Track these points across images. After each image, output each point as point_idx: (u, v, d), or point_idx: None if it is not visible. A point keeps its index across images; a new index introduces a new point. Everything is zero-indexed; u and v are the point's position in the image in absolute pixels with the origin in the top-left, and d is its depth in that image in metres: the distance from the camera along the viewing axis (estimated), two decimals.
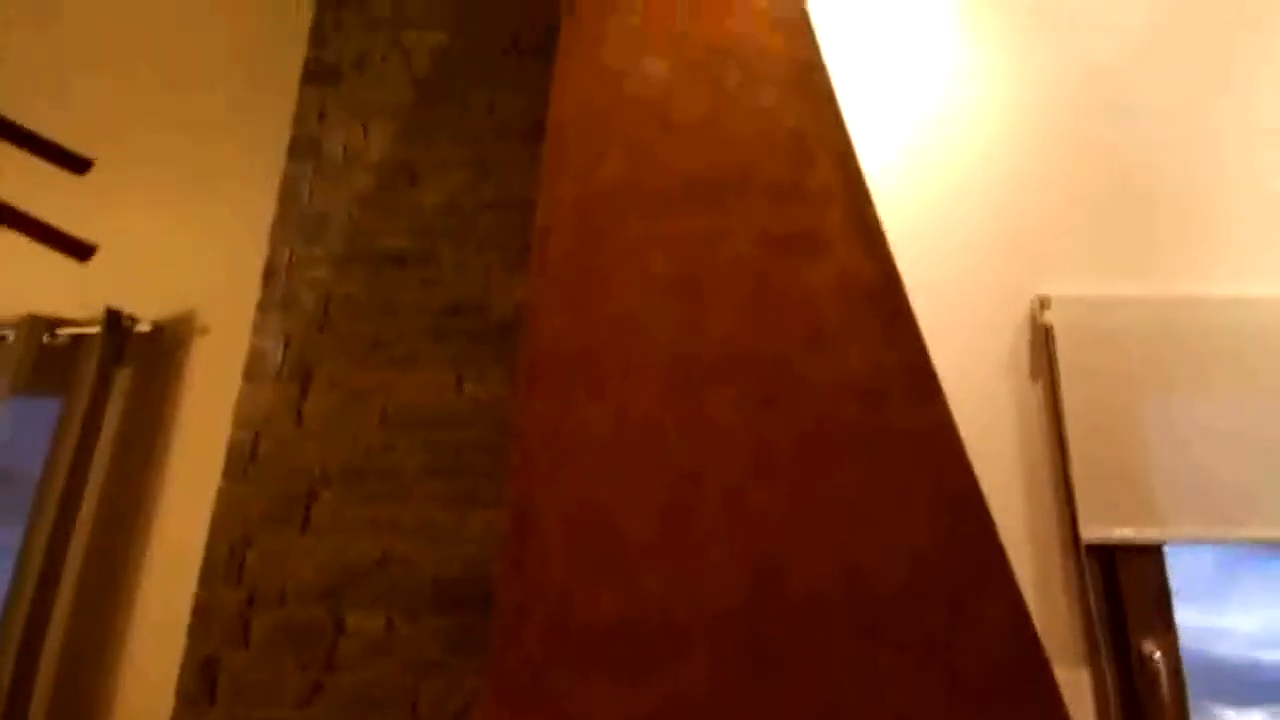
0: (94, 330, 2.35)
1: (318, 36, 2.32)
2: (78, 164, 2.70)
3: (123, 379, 2.37)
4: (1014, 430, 1.89)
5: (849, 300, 1.63)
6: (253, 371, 2.01)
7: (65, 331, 2.39)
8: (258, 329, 2.07)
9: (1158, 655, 1.73)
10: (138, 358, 2.38)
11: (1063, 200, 2.07)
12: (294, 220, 2.16)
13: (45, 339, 2.39)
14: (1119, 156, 2.11)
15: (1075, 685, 1.69)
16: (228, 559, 1.85)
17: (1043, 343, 1.93)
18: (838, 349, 1.58)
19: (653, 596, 1.40)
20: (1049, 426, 1.89)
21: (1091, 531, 1.80)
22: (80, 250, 2.60)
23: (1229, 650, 1.90)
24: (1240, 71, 2.18)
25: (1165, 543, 1.82)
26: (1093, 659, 1.73)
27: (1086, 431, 1.87)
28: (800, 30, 1.90)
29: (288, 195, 2.19)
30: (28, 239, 2.61)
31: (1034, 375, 1.93)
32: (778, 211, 1.73)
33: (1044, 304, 1.95)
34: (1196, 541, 1.82)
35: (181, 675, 1.78)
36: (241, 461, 1.93)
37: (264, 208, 2.22)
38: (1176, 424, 1.87)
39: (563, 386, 1.58)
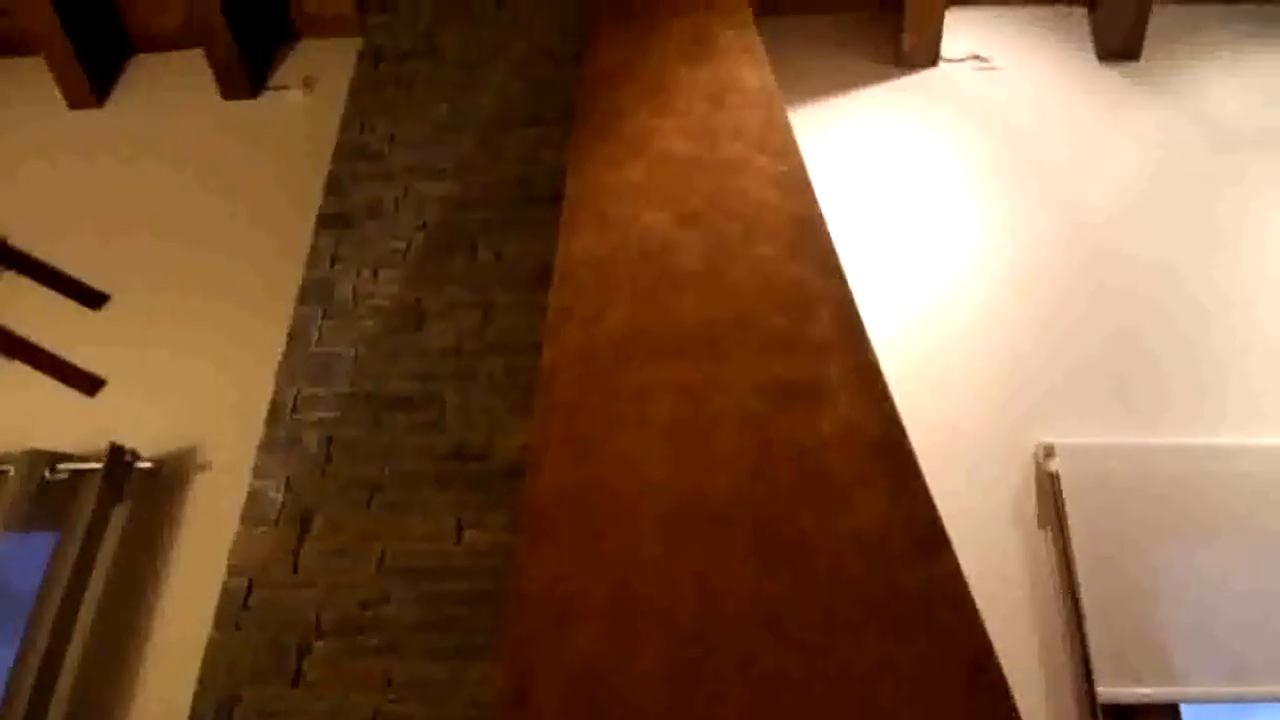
0: (95, 466, 2.35)
1: (334, 184, 2.40)
2: (93, 299, 2.76)
3: (120, 515, 2.36)
4: (1024, 582, 1.85)
5: (853, 452, 1.63)
6: (251, 515, 1.99)
7: (66, 467, 2.39)
8: (259, 470, 2.06)
9: None
10: (137, 493, 2.38)
11: (1063, 348, 2.10)
12: (301, 361, 2.19)
13: (45, 474, 2.39)
14: (1118, 303, 2.15)
15: None
16: (215, 713, 1.79)
17: (1049, 491, 1.92)
18: (844, 503, 1.57)
19: None
20: (1060, 578, 1.85)
21: (1108, 690, 1.74)
22: (88, 384, 2.62)
23: None
24: (1232, 221, 2.24)
25: (1181, 701, 1.76)
26: None
27: (1098, 583, 1.83)
28: (798, 186, 1.96)
29: (297, 336, 2.22)
30: (34, 371, 2.64)
31: (1042, 524, 1.90)
32: (779, 361, 1.75)
33: (1048, 452, 1.95)
34: (1213, 700, 1.77)
35: None
36: (234, 610, 1.89)
37: (273, 346, 2.25)
38: (1189, 575, 1.83)
39: (563, 543, 1.56)
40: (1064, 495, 1.90)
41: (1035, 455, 1.96)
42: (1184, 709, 1.78)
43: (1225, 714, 1.89)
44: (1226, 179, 2.32)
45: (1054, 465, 1.93)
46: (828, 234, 1.89)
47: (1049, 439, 1.96)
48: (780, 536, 1.54)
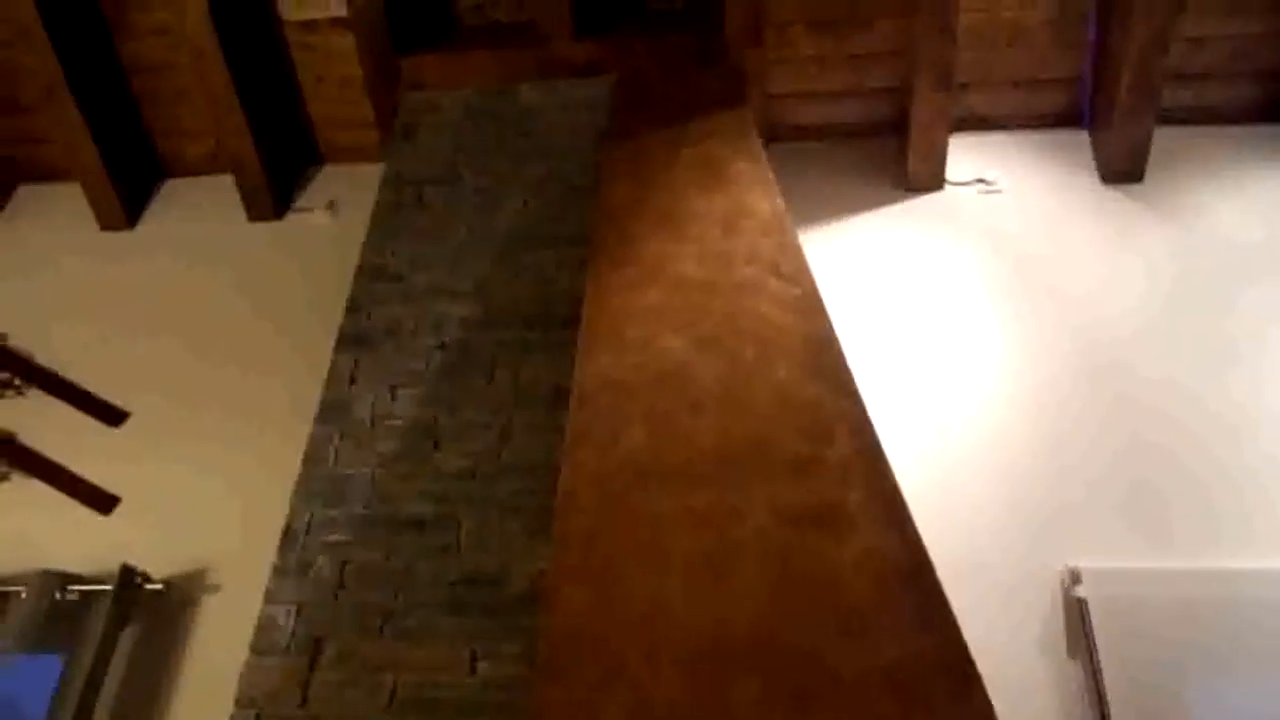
0: (106, 588, 2.33)
1: (354, 306, 2.45)
2: (113, 416, 2.79)
3: (129, 637, 2.34)
4: (1056, 713, 1.79)
5: (878, 581, 1.60)
6: (260, 643, 1.95)
7: (77, 588, 2.37)
8: (270, 595, 2.03)
9: None
10: (146, 615, 2.36)
11: (1082, 468, 2.08)
12: (317, 482, 2.18)
13: (57, 594, 2.37)
14: (1134, 424, 2.14)
15: None
16: None
17: (1077, 617, 1.87)
18: (870, 636, 1.53)
19: None
20: (1092, 709, 1.79)
21: None
22: (103, 503, 2.62)
23: None
24: (1245, 340, 2.25)
25: None
26: None
27: (1131, 713, 1.76)
28: (813, 309, 1.99)
29: (313, 456, 2.23)
30: (50, 489, 2.65)
31: (1071, 652, 1.85)
32: (798, 485, 1.73)
33: (1075, 577, 1.91)
34: None
35: None
36: None
37: (290, 466, 2.25)
38: (1222, 702, 1.77)
39: (580, 678, 1.52)
40: (1092, 622, 1.85)
41: (1061, 580, 1.92)
42: None
43: None
44: (1236, 298, 2.34)
45: (1081, 591, 1.88)
46: (842, 354, 1.90)
47: (1074, 563, 1.92)
48: (803, 672, 1.50)
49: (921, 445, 2.10)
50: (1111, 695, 1.77)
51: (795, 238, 2.13)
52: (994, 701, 1.48)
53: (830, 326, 1.96)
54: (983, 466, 2.07)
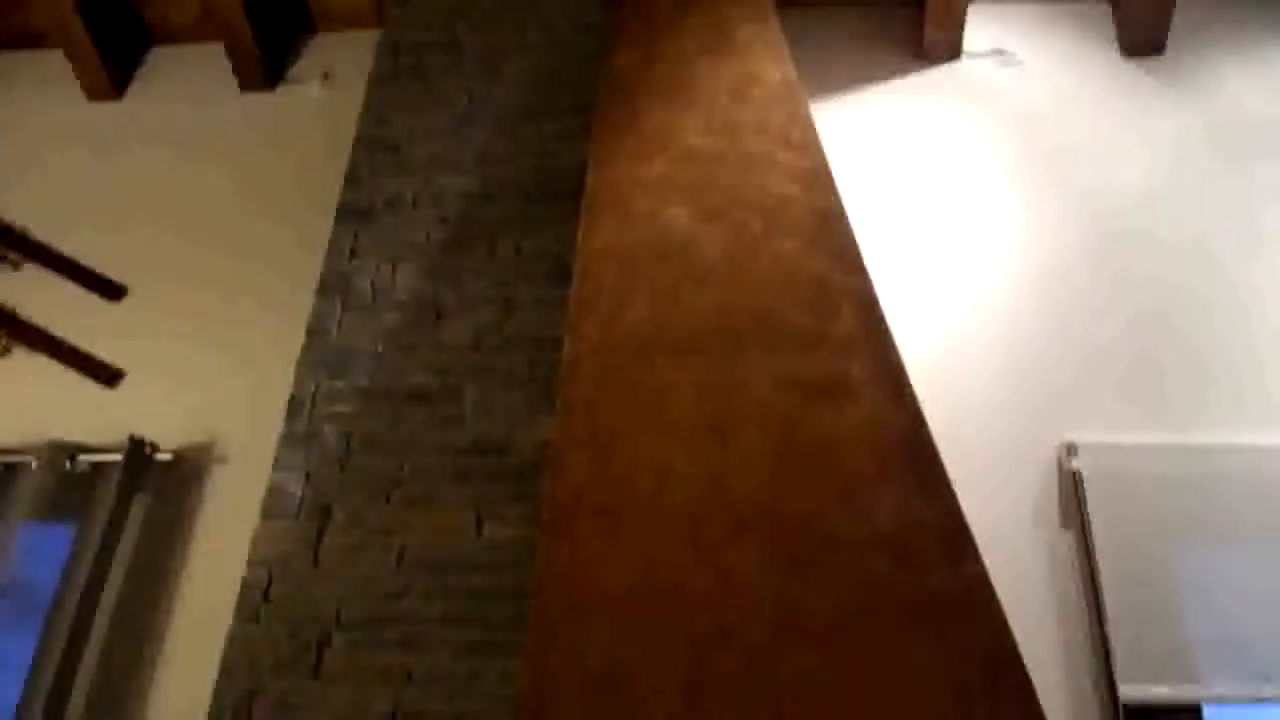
0: (115, 458, 2.36)
1: (353, 178, 2.40)
2: (112, 290, 2.77)
3: (140, 506, 2.37)
4: (1047, 582, 1.84)
5: (878, 451, 1.62)
6: (271, 508, 1.99)
7: (86, 458, 2.40)
8: (278, 464, 2.06)
9: None
10: (156, 485, 2.39)
11: (1086, 344, 2.08)
12: (320, 354, 2.19)
13: (66, 465, 2.40)
14: (1141, 299, 2.13)
15: None
16: (236, 705, 1.80)
17: (1072, 490, 1.91)
18: (868, 503, 1.56)
19: None
20: (1083, 578, 1.84)
21: (1130, 691, 1.73)
22: (107, 376, 2.63)
23: None
24: (1257, 217, 2.22)
25: (1203, 703, 1.75)
26: None
27: (1121, 584, 1.82)
28: (821, 181, 1.95)
29: (316, 329, 2.22)
30: (54, 363, 2.66)
31: (1064, 524, 1.89)
32: (802, 359, 1.74)
33: (1070, 450, 1.93)
34: (1236, 701, 1.75)
35: None
36: (254, 602, 1.90)
37: (291, 340, 2.25)
38: (1212, 576, 1.82)
39: (584, 538, 1.55)
40: (1087, 495, 1.89)
41: (1058, 454, 1.95)
42: (1206, 710, 1.76)
43: (1248, 715, 1.88)
44: (1252, 174, 2.29)
45: (1076, 464, 1.91)
46: (850, 228, 1.88)
47: (1072, 437, 1.95)
48: (802, 536, 1.54)
49: (926, 319, 2.10)
50: (1102, 565, 1.82)
51: (806, 108, 2.07)
52: (986, 566, 1.52)
53: (839, 200, 1.92)
54: (986, 341, 2.08)
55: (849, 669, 1.42)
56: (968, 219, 2.27)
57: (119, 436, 2.38)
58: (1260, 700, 1.74)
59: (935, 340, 2.07)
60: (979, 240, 2.23)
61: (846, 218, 1.90)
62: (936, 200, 2.31)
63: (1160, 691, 1.73)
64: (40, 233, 2.86)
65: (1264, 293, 2.13)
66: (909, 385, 1.69)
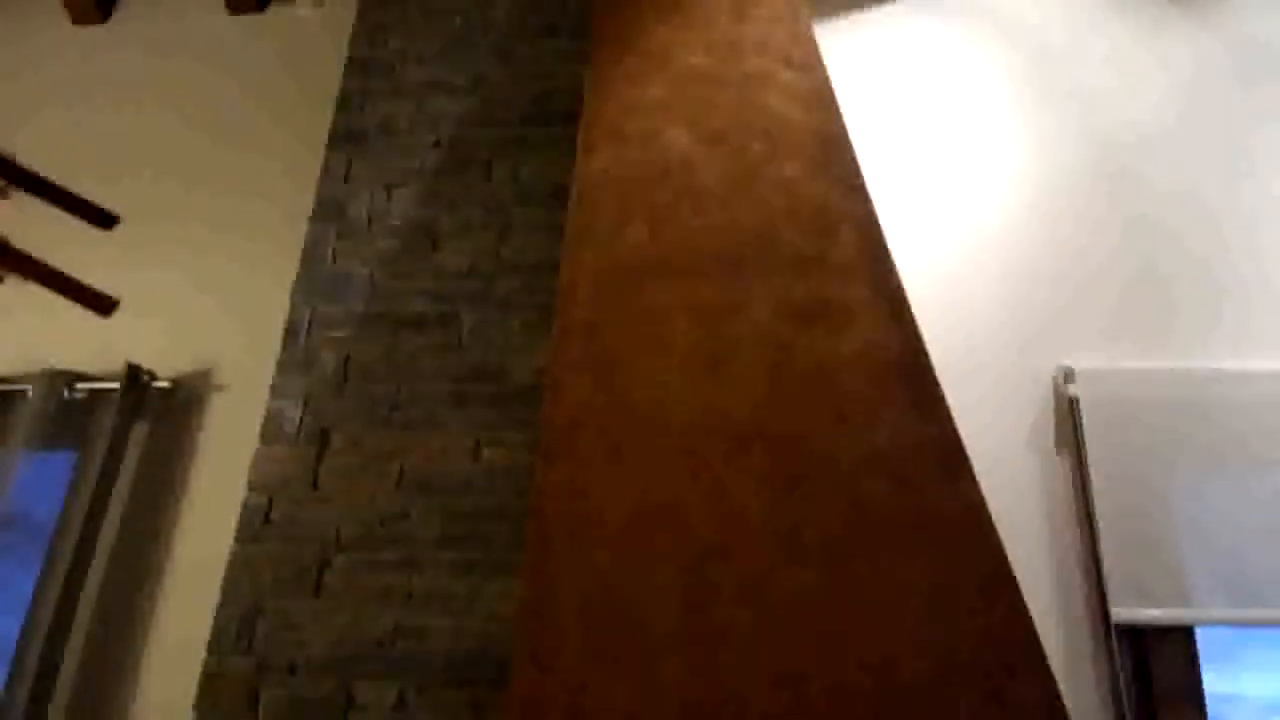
0: (113, 386, 2.35)
1: (345, 102, 2.35)
2: (104, 219, 2.73)
3: (139, 434, 2.37)
4: (1041, 506, 1.86)
5: (875, 374, 1.62)
6: (269, 433, 2.00)
7: (84, 386, 2.39)
8: (276, 389, 2.06)
9: None
10: (155, 414, 2.38)
11: (1086, 271, 2.06)
12: (315, 280, 2.17)
13: (64, 394, 2.40)
14: (1142, 229, 2.11)
15: None
16: (238, 625, 1.82)
17: (1068, 415, 1.91)
18: (865, 425, 1.56)
19: (671, 689, 1.36)
20: (1077, 502, 1.85)
21: (1122, 612, 1.75)
22: (102, 305, 2.61)
23: (1242, 717, 1.85)
24: (1263, 148, 2.19)
25: (1195, 624, 1.78)
26: None
27: (1115, 507, 1.83)
28: (824, 103, 1.91)
29: (310, 256, 2.20)
30: (49, 292, 2.64)
31: (1060, 449, 1.90)
32: (801, 283, 1.73)
33: (1068, 376, 1.93)
34: (1228, 623, 1.78)
35: None
36: (255, 524, 1.92)
37: (286, 267, 2.24)
38: (1206, 500, 1.83)
39: (582, 461, 1.56)
40: (1083, 419, 1.89)
41: (1055, 379, 1.94)
42: (1198, 631, 1.79)
43: (1239, 637, 1.91)
44: (1262, 105, 2.25)
45: (1073, 389, 1.91)
46: (852, 151, 1.85)
47: (1069, 362, 1.94)
48: (799, 457, 1.54)
49: (927, 243, 2.08)
50: (1096, 489, 1.83)
51: (809, 26, 2.02)
52: (981, 488, 1.53)
53: (841, 121, 1.89)
54: (986, 265, 2.06)
55: (844, 588, 1.44)
56: (970, 142, 2.23)
57: (116, 365, 2.37)
58: (1252, 623, 1.77)
59: (936, 264, 2.05)
60: (981, 163, 2.20)
61: (849, 140, 1.87)
62: (939, 122, 2.26)
63: (1152, 613, 1.75)
64: (26, 160, 2.81)
65: (1266, 218, 2.11)
66: (908, 309, 1.69)
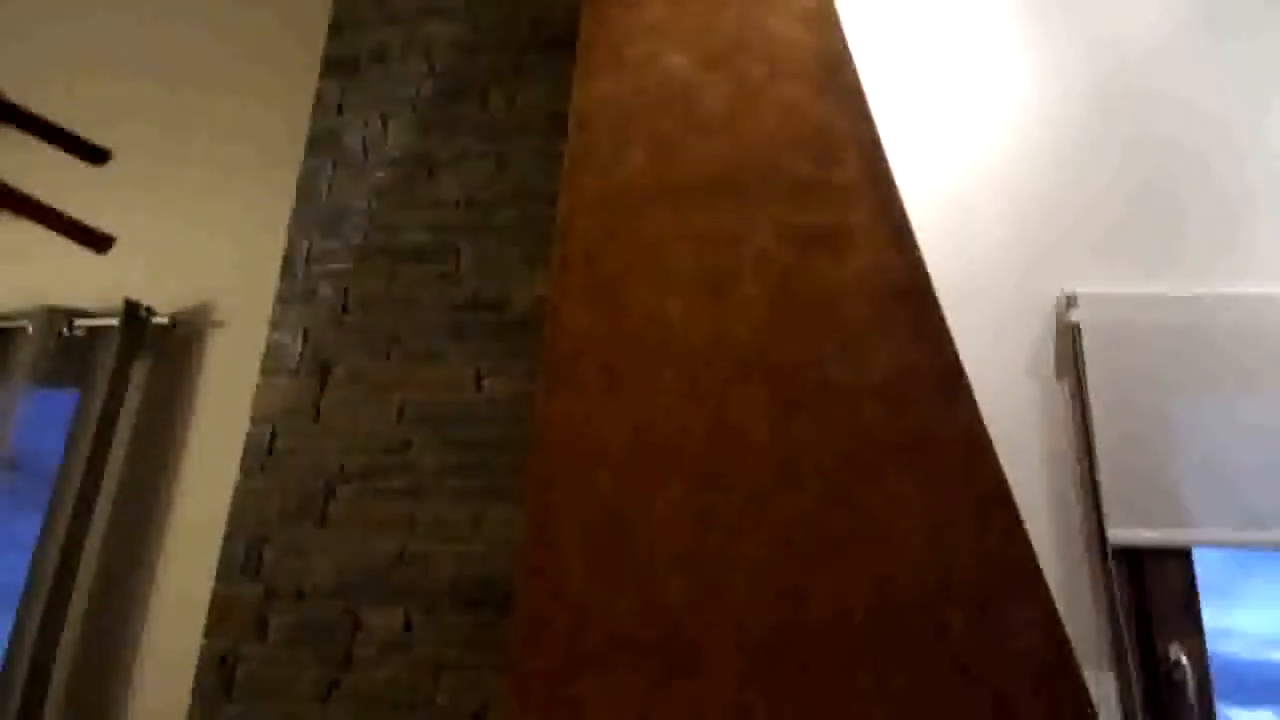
0: (112, 322, 2.35)
1: (336, 29, 2.30)
2: (95, 154, 2.70)
3: (140, 371, 2.36)
4: (1039, 431, 1.86)
5: (876, 299, 1.61)
6: (270, 366, 2.00)
7: (83, 323, 2.39)
8: (275, 322, 2.06)
9: (1184, 659, 1.70)
10: (155, 350, 2.38)
11: (1090, 196, 2.04)
12: (312, 213, 2.15)
13: (63, 331, 2.39)
14: (1148, 152, 2.08)
15: (1101, 688, 1.67)
16: (245, 554, 1.85)
17: (1069, 341, 1.90)
18: (865, 350, 1.56)
19: (673, 608, 1.38)
20: (1076, 427, 1.86)
21: (1119, 534, 1.77)
22: (98, 242, 2.59)
23: (1238, 650, 1.87)
24: (1273, 67, 2.14)
25: (1192, 545, 1.79)
26: (1119, 662, 1.70)
27: (1114, 432, 1.83)
28: (826, 23, 1.87)
29: (306, 188, 2.18)
30: (45, 230, 2.61)
31: (1060, 375, 1.89)
32: (803, 208, 1.71)
33: (1070, 302, 1.92)
34: (1225, 545, 1.79)
35: (198, 670, 1.78)
36: (259, 456, 1.93)
37: (282, 201, 2.21)
38: (1206, 424, 1.83)
39: (583, 389, 1.56)
40: (1084, 345, 1.88)
41: (1057, 305, 1.93)
42: (1195, 553, 1.80)
43: (1237, 569, 1.93)
44: (1274, 20, 2.19)
45: (1075, 315, 1.90)
46: (855, 73, 1.81)
47: (1072, 288, 1.93)
48: (799, 382, 1.55)
49: (930, 166, 2.05)
50: (1096, 414, 1.83)
51: None
52: (981, 412, 1.54)
53: (844, 42, 1.85)
54: (991, 190, 2.03)
55: (843, 510, 1.45)
56: (974, 62, 2.18)
57: (114, 302, 2.37)
58: (1250, 545, 1.78)
59: (939, 188, 2.02)
60: (986, 84, 2.15)
61: (852, 61, 1.83)
62: (943, 42, 2.21)
63: (1149, 535, 1.77)
64: (14, 96, 2.76)
65: (1270, 144, 2.07)
66: (911, 233, 1.67)
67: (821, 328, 1.60)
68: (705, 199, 1.75)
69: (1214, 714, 1.70)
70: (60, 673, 1.97)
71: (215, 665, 1.76)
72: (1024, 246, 1.97)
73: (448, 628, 1.70)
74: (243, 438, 1.99)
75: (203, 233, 2.48)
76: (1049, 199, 2.02)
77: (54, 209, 2.63)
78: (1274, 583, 1.97)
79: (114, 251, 2.57)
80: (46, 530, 2.10)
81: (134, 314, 2.35)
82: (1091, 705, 1.34)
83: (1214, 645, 1.75)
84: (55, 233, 2.61)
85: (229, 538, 1.88)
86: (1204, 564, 1.81)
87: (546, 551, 1.47)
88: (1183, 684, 1.69)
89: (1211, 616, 1.76)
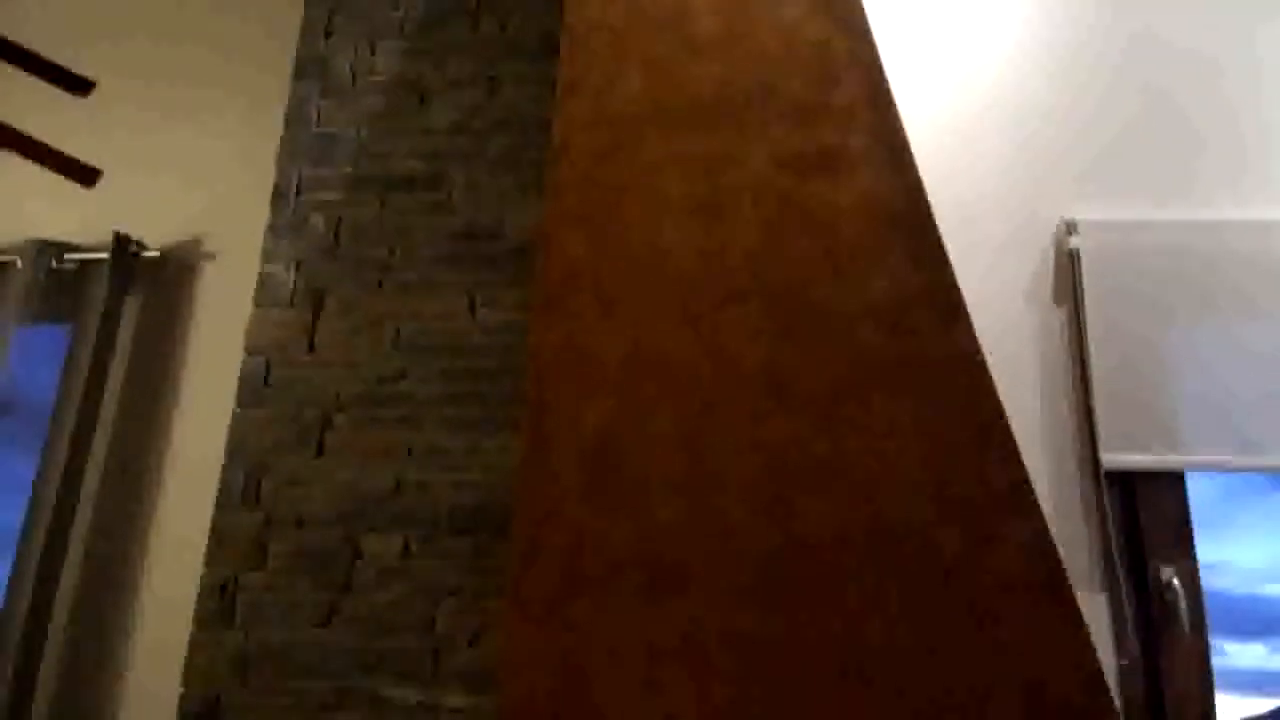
0: (102, 256, 2.32)
1: None
2: (79, 84, 2.63)
3: (132, 306, 2.35)
4: (1036, 356, 1.86)
5: (873, 222, 1.59)
6: (263, 297, 1.98)
7: (73, 257, 2.36)
8: (267, 254, 2.03)
9: (1176, 581, 1.72)
10: (147, 284, 2.36)
11: (1091, 122, 2.00)
12: (301, 142, 2.11)
13: (53, 264, 2.37)
14: (1149, 77, 2.04)
15: (1093, 610, 1.69)
16: (244, 483, 1.85)
17: (1068, 268, 1.89)
18: (862, 274, 1.55)
19: (667, 530, 1.39)
20: (1073, 354, 1.85)
21: (1112, 458, 1.77)
22: (84, 175, 2.55)
23: (1230, 583, 1.90)
24: None
25: (1186, 469, 1.80)
26: (1111, 585, 1.73)
27: (1110, 358, 1.83)
28: None
29: (294, 116, 2.14)
30: (31, 164, 2.57)
31: (1058, 301, 1.88)
32: (801, 130, 1.68)
33: (1070, 228, 1.90)
34: (1218, 469, 1.80)
35: (199, 598, 1.80)
36: (255, 387, 1.92)
37: (270, 130, 2.18)
38: (1204, 351, 1.83)
39: (577, 314, 1.55)
40: (1083, 272, 1.87)
41: (1057, 231, 1.91)
42: (1188, 476, 1.81)
43: (1229, 482, 1.94)
44: None
45: (1075, 242, 1.88)
46: None
47: (1073, 214, 1.91)
48: (795, 306, 1.54)
49: (931, 89, 2.01)
50: (1092, 340, 1.83)
51: None
52: (977, 339, 1.53)
53: None
54: (992, 114, 2.00)
55: (838, 434, 1.45)
56: None
57: (104, 236, 2.34)
58: (1243, 469, 1.79)
59: (941, 111, 1.99)
60: (988, 5, 2.10)
61: None
62: None
63: (1142, 459, 1.77)
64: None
65: (1272, 67, 2.03)
66: (910, 156, 1.64)
67: (818, 251, 1.58)
68: (701, 122, 1.72)
69: (1206, 636, 1.72)
70: (62, 604, 2.00)
71: (216, 593, 1.78)
72: (1025, 172, 1.94)
73: (446, 553, 1.71)
74: (237, 370, 1.98)
75: (191, 165, 2.44)
76: (1051, 124, 1.99)
77: (39, 142, 2.58)
78: (1268, 517, 1.99)
79: (102, 185, 2.52)
80: (44, 469, 2.09)
81: (124, 247, 2.32)
82: (1084, 625, 1.36)
83: (1207, 580, 1.76)
84: (41, 166, 2.57)
85: (227, 468, 1.89)
86: (1198, 498, 1.82)
87: (542, 477, 1.47)
88: (1174, 605, 1.71)
89: (1205, 551, 1.78)
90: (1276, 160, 1.95)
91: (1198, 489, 1.82)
